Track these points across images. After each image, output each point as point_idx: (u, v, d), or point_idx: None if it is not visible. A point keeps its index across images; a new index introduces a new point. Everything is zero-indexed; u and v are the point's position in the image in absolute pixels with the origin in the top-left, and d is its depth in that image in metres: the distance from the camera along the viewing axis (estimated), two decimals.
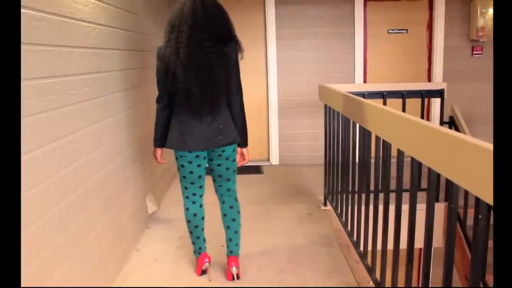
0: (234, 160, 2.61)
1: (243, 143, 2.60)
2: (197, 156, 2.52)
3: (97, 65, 2.52)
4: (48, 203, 1.89)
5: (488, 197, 1.19)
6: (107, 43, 2.70)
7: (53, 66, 1.95)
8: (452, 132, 1.43)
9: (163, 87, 2.47)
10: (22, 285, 1.58)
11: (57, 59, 2.00)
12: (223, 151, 2.52)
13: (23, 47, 1.67)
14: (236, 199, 2.71)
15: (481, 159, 1.22)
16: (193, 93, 2.35)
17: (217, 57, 2.34)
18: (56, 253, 1.95)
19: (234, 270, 2.65)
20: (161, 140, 2.58)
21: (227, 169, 2.60)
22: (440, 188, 3.56)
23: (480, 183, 1.23)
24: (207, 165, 2.61)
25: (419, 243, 1.84)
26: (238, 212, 2.70)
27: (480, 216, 1.36)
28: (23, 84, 1.67)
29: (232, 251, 2.70)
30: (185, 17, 2.32)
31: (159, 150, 2.66)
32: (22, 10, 1.67)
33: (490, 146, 1.18)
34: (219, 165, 2.58)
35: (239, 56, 2.47)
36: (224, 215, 2.69)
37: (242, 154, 2.64)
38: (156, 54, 2.45)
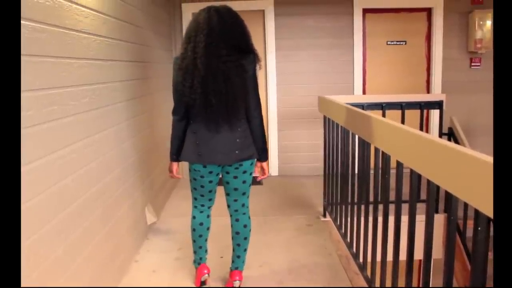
0: (251, 174, 2.56)
1: (263, 157, 2.54)
2: (210, 172, 2.50)
3: (98, 76, 2.53)
4: (48, 214, 1.89)
5: (488, 210, 1.19)
6: (107, 54, 2.71)
7: (53, 77, 1.97)
8: (452, 144, 1.43)
9: (179, 99, 2.43)
10: None
11: (58, 71, 2.01)
12: (240, 165, 2.47)
13: (24, 59, 1.68)
14: (249, 217, 2.67)
15: (481, 171, 1.21)
16: (211, 103, 2.32)
17: (234, 66, 2.32)
18: (56, 264, 1.94)
19: (237, 283, 2.63)
20: (177, 154, 2.54)
21: (244, 182, 2.55)
22: (439, 199, 3.56)
23: (480, 196, 1.22)
24: (220, 177, 2.59)
25: (418, 254, 1.83)
26: (250, 231, 2.67)
27: (479, 228, 1.36)
28: (24, 95, 1.68)
29: (237, 267, 2.68)
30: (201, 27, 2.32)
31: (175, 164, 2.62)
32: (23, 22, 1.68)
33: (490, 158, 1.17)
34: (235, 177, 2.53)
35: (257, 67, 2.43)
36: (237, 233, 2.64)
37: (263, 168, 2.59)
38: (172, 65, 2.45)
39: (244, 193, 2.61)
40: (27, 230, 1.70)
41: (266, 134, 2.58)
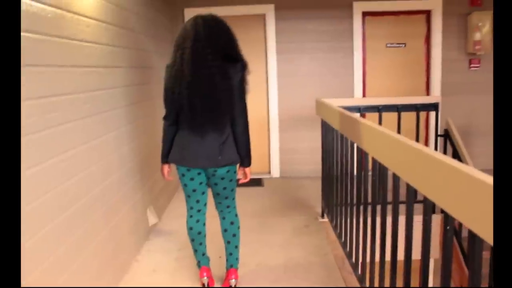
0: (231, 180, 2.65)
1: (246, 162, 2.62)
2: (199, 174, 2.60)
3: (99, 82, 2.63)
4: (50, 215, 1.98)
5: (488, 236, 1.14)
6: (108, 61, 2.81)
7: (56, 85, 2.07)
8: (448, 160, 1.37)
9: (169, 104, 2.53)
10: None
11: (60, 79, 2.12)
12: (215, 171, 2.56)
13: (28, 69, 1.79)
14: (236, 215, 2.77)
15: (479, 194, 1.15)
16: (196, 107, 2.41)
17: (218, 71, 2.40)
18: (57, 263, 2.04)
19: (233, 282, 2.73)
20: (167, 156, 2.64)
21: (224, 188, 2.65)
22: None
23: (479, 220, 1.18)
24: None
25: (415, 254, 1.87)
26: (238, 228, 2.77)
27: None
28: (28, 103, 1.78)
29: (232, 265, 2.78)
30: (188, 34, 2.42)
31: (166, 167, 2.72)
32: (27, 34, 1.79)
33: (490, 179, 1.09)
34: (216, 184, 2.64)
35: (246, 78, 2.50)
36: (225, 230, 2.75)
37: (245, 173, 2.68)
38: (164, 73, 2.55)
39: (226, 197, 2.70)
40: (30, 231, 1.80)
41: (253, 138, 2.65)
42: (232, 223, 2.75)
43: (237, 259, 2.79)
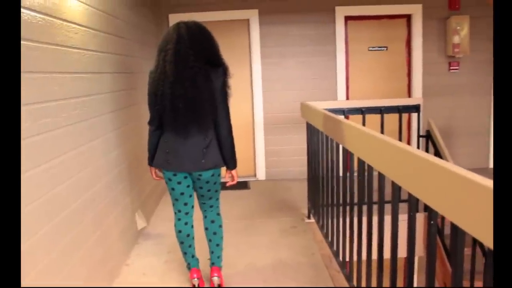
0: (215, 183, 2.70)
1: (232, 165, 2.66)
2: (185, 177, 2.64)
3: (87, 88, 2.66)
4: (41, 220, 2.00)
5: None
6: (96, 67, 2.84)
7: (46, 91, 2.09)
8: (431, 157, 1.41)
9: (153, 108, 2.57)
10: None
11: (50, 85, 2.14)
12: (200, 175, 2.60)
13: (21, 75, 1.81)
14: (218, 214, 2.83)
15: (462, 189, 1.19)
16: (178, 109, 2.45)
17: (201, 73, 2.45)
18: (50, 268, 2.06)
19: (215, 279, 2.78)
20: (153, 159, 2.69)
21: (208, 190, 2.70)
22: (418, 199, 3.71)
23: (461, 213, 1.21)
24: None
25: (396, 252, 1.93)
26: (220, 226, 2.82)
27: (458, 230, 1.39)
28: (21, 109, 1.81)
29: (214, 263, 2.83)
30: (170, 37, 2.48)
31: (153, 169, 2.78)
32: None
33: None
34: (200, 187, 2.69)
35: (227, 82, 2.55)
36: (206, 229, 2.81)
37: (232, 176, 2.72)
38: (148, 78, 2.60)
39: (210, 198, 2.75)
40: (22, 236, 1.81)
41: (238, 142, 2.70)
42: (212, 221, 2.80)
43: (219, 257, 2.83)
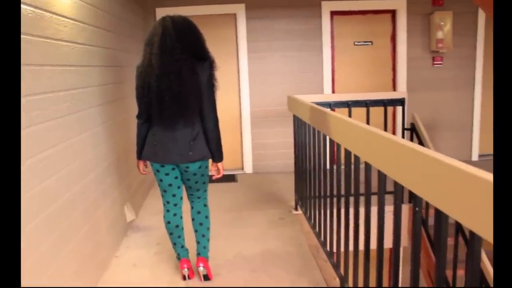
0: (202, 175, 2.74)
1: (218, 158, 2.69)
2: (173, 169, 2.68)
3: (77, 81, 2.67)
4: (32, 213, 2.02)
5: (450, 210, 1.22)
6: (85, 60, 2.85)
7: (36, 84, 2.10)
8: (416, 146, 1.46)
9: (141, 101, 2.61)
10: None
11: (40, 78, 2.15)
12: (187, 167, 2.64)
13: None
14: (205, 205, 2.87)
15: (443, 175, 1.23)
16: (164, 102, 2.48)
17: (186, 65, 2.47)
18: (41, 260, 2.08)
19: (201, 269, 2.81)
20: (142, 152, 2.72)
21: (196, 182, 2.74)
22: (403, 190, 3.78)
23: (444, 197, 1.25)
24: None
25: (376, 242, 2.00)
26: (206, 217, 2.86)
27: (441, 218, 1.44)
28: None
29: (199, 253, 2.86)
30: (156, 31, 2.51)
31: (141, 162, 2.82)
32: None
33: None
34: (188, 179, 2.73)
35: (214, 75, 2.58)
36: (192, 219, 2.86)
37: (218, 168, 2.76)
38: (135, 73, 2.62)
39: (198, 190, 2.80)
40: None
41: (225, 134, 2.73)
42: (199, 212, 2.84)
43: (205, 247, 2.87)
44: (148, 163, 2.82)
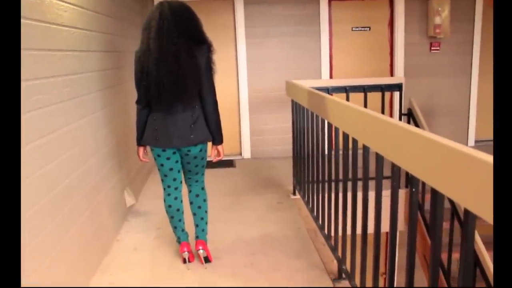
0: (202, 158, 2.78)
1: (218, 140, 2.73)
2: (174, 153, 2.71)
3: (77, 66, 2.68)
4: (35, 197, 2.04)
5: (441, 187, 1.27)
6: (85, 45, 2.85)
7: (37, 68, 2.12)
8: (414, 128, 1.49)
9: (140, 87, 2.62)
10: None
11: (41, 62, 2.16)
12: (188, 150, 2.67)
13: None
14: (202, 188, 2.91)
15: (440, 157, 1.26)
16: (163, 85, 2.50)
17: (183, 48, 2.49)
18: (44, 244, 2.11)
19: (201, 252, 2.85)
20: (142, 138, 2.74)
21: (196, 166, 2.78)
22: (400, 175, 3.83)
23: (439, 177, 1.29)
24: None
25: (373, 226, 2.04)
26: (204, 200, 2.90)
27: (437, 202, 1.47)
28: None
29: (198, 236, 2.91)
30: (153, 15, 2.53)
31: (141, 149, 2.83)
32: None
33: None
34: (188, 163, 2.76)
35: (212, 58, 2.61)
36: (191, 203, 2.90)
37: (218, 151, 2.79)
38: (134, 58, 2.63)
39: (197, 173, 2.84)
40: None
41: (227, 118, 2.77)
42: (197, 195, 2.88)
43: (203, 230, 2.91)
44: (148, 150, 2.84)
